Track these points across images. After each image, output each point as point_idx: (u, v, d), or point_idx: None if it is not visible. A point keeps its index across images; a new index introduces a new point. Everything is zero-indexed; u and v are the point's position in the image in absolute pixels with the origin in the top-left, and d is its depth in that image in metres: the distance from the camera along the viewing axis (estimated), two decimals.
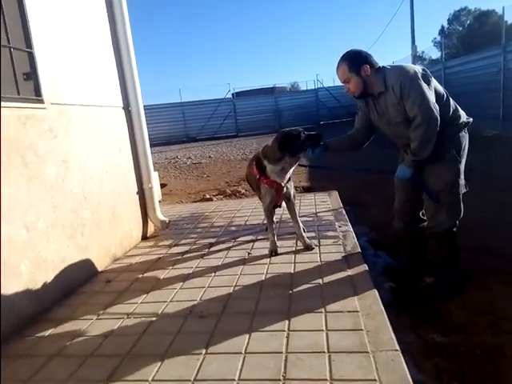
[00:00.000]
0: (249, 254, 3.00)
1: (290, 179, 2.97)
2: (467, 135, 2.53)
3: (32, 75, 2.48)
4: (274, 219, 3.61)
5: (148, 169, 3.70)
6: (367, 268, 2.56)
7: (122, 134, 3.47)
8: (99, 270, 2.92)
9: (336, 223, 3.57)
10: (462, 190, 2.53)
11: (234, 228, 3.78)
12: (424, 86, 2.32)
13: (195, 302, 2.26)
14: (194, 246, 3.30)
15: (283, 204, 3.12)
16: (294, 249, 3.01)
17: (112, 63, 3.41)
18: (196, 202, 6.14)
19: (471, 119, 2.53)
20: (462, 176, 2.51)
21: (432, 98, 2.33)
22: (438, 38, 25.17)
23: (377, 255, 3.38)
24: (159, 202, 6.43)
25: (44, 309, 2.36)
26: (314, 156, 2.76)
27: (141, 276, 2.75)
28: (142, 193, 3.69)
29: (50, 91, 2.57)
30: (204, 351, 1.78)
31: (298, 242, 3.09)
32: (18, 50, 2.38)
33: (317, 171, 8.05)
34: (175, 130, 21.85)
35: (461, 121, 2.49)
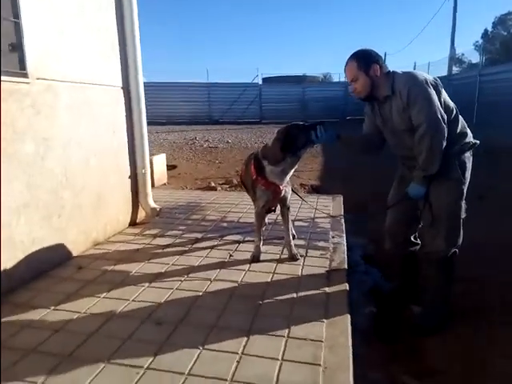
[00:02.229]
0: (230, 256, 2.86)
1: (288, 182, 2.80)
2: (471, 158, 2.34)
3: (18, 47, 2.37)
4: (267, 221, 3.47)
5: (143, 153, 3.59)
6: (347, 288, 2.39)
7: (118, 115, 3.35)
8: (75, 254, 2.84)
9: (330, 233, 3.39)
10: (463, 214, 2.35)
11: (224, 224, 3.64)
12: (433, 93, 2.16)
13: (157, 306, 2.14)
14: (178, 240, 3.19)
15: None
16: (278, 257, 2.86)
17: (114, 40, 3.27)
18: (200, 189, 6.04)
19: (478, 142, 2.33)
20: (464, 199, 2.33)
21: (440, 107, 2.16)
22: (481, 42, 23.98)
23: (367, 272, 3.19)
24: (164, 184, 6.39)
25: (8, 289, 2.29)
26: (321, 141, 2.52)
27: (113, 267, 2.65)
28: (134, 177, 3.58)
29: (36, 65, 2.45)
30: (146, 365, 1.66)
31: (285, 249, 2.93)
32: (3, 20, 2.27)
33: (329, 169, 7.82)
34: (199, 111, 21.75)
35: (467, 140, 2.30)
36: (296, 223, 3.65)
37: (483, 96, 12.42)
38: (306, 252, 2.94)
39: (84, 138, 2.91)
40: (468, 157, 2.31)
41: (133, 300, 2.20)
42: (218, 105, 21.91)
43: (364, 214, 4.46)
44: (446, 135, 2.15)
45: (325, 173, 7.56)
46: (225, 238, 3.24)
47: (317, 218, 3.82)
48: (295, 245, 3.01)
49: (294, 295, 2.28)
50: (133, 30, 3.37)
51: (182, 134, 15.41)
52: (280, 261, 2.78)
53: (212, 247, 3.03)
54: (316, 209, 3.76)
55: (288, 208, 2.88)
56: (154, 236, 3.28)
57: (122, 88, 3.40)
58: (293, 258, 2.79)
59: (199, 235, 3.30)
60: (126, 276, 2.51)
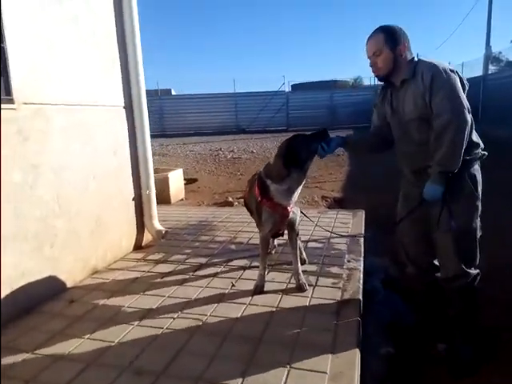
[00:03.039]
0: (233, 285, 2.63)
1: (296, 203, 2.55)
2: (480, 170, 2.12)
3: (2, 72, 2.26)
4: (276, 243, 3.23)
5: (147, 173, 3.44)
6: (360, 326, 2.10)
7: (119, 135, 3.22)
8: (70, 284, 2.70)
9: (346, 256, 3.09)
10: (479, 232, 2.11)
11: (233, 246, 3.42)
12: (458, 83, 1.95)
13: (142, 350, 1.94)
14: (180, 266, 2.99)
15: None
16: (284, 286, 2.60)
17: (114, 55, 3.15)
18: (216, 203, 5.87)
19: (486, 153, 2.10)
20: (479, 217, 2.09)
21: (465, 97, 1.95)
22: None
23: (387, 301, 2.86)
24: (181, 200, 6.27)
25: None
26: (328, 153, 2.31)
27: (107, 300, 2.48)
28: (139, 199, 3.44)
29: (23, 89, 2.34)
30: None
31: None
32: None
33: (355, 179, 7.46)
34: (227, 121, 21.77)
35: (478, 150, 2.06)
36: (309, 244, 3.39)
37: None
38: (317, 280, 2.67)
39: (80, 161, 2.79)
40: (477, 169, 2.09)
41: (118, 342, 2.01)
42: (245, 114, 21.87)
43: (387, 230, 4.12)
44: (469, 128, 1.92)
45: (350, 184, 7.22)
46: (230, 264, 3.02)
47: (333, 237, 3.53)
48: (306, 271, 2.77)
49: (297, 334, 2.02)
50: (134, 43, 3.25)
51: (208, 145, 15.42)
52: (286, 291, 2.52)
53: (215, 275, 2.82)
54: (331, 232, 3.45)
55: (297, 233, 2.63)
56: (157, 262, 3.10)
57: (124, 107, 3.28)
58: (300, 288, 2.53)
59: (204, 260, 3.10)
60: (117, 311, 2.33)
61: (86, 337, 2.07)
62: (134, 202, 3.39)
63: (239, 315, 2.24)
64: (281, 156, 2.32)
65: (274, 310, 2.29)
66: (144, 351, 1.93)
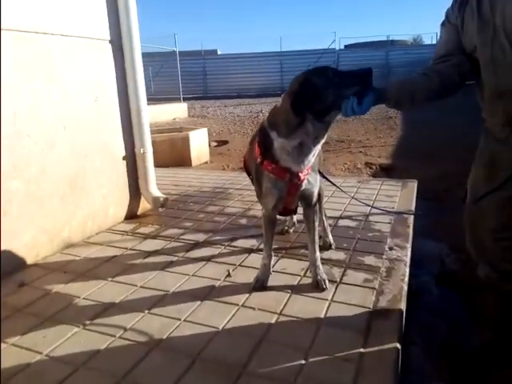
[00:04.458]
0: (228, 275, 1.97)
1: (314, 167, 1.79)
2: None
3: None
4: (295, 219, 2.52)
5: (141, 128, 2.79)
6: (399, 352, 1.39)
7: (102, 77, 2.58)
8: (31, 261, 2.17)
9: (388, 240, 2.32)
10: None
11: (243, 221, 2.75)
12: None
13: (73, 370, 1.35)
14: (171, 244, 2.38)
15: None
16: (296, 281, 1.90)
17: None
18: (242, 168, 5.19)
19: None
20: None
21: None
22: None
23: (442, 308, 2.09)
24: (205, 163, 5.66)
25: None
26: (360, 113, 1.45)
27: (64, 286, 1.92)
28: (132, 159, 2.83)
29: None
30: None
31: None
32: None
33: (409, 144, 6.44)
34: (271, 82, 20.71)
35: None
36: (340, 222, 2.64)
37: None
38: (343, 274, 1.95)
39: (43, 105, 2.18)
40: None
41: (47, 354, 1.44)
42: (291, 75, 20.38)
43: (446, 207, 3.24)
44: None
45: (401, 149, 6.23)
46: (234, 244, 2.36)
47: (373, 214, 2.74)
48: (329, 260, 2.08)
49: (300, 367, 1.33)
50: None
51: (250, 107, 14.69)
52: (297, 289, 1.83)
53: (210, 258, 2.17)
54: (371, 206, 2.68)
55: (315, 209, 1.88)
56: (146, 237, 2.51)
57: (110, 42, 2.61)
58: (317, 285, 1.82)
59: (203, 237, 2.46)
60: (68, 304, 1.76)
61: (14, 340, 1.52)
62: (125, 161, 2.78)
63: (223, 324, 1.58)
64: (291, 94, 1.54)
65: (275, 318, 1.61)
66: (76, 372, 1.35)
